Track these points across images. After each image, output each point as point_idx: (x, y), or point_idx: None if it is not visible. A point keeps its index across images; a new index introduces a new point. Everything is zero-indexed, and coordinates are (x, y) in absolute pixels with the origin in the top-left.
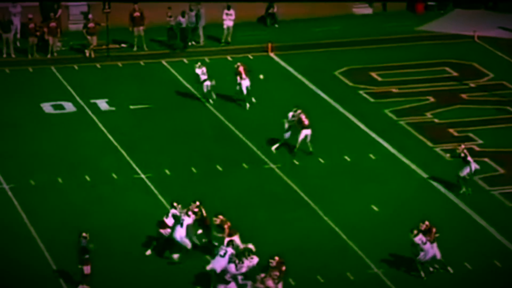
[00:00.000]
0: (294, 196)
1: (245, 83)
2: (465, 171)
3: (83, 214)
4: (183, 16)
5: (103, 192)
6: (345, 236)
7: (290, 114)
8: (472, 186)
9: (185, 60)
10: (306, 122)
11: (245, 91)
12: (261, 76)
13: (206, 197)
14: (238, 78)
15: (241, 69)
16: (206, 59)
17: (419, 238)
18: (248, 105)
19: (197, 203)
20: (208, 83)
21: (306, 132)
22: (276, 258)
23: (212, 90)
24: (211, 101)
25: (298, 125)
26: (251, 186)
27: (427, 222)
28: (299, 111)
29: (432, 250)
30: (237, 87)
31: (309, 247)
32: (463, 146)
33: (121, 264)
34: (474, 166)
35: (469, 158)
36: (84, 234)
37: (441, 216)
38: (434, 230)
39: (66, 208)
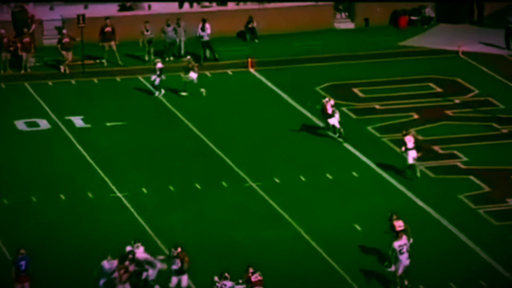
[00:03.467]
0: (274, 215)
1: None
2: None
3: (58, 234)
4: (163, 32)
5: (78, 212)
6: (327, 255)
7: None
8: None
9: (163, 76)
10: (329, 111)
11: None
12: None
13: (184, 216)
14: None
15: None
16: (183, 75)
17: (398, 244)
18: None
19: (179, 249)
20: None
21: (332, 121)
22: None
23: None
24: (157, 93)
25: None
26: (230, 204)
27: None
28: (326, 99)
29: (406, 260)
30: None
31: (290, 266)
32: (406, 133)
33: (98, 283)
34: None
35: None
36: (22, 251)
37: (424, 235)
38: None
39: (40, 228)
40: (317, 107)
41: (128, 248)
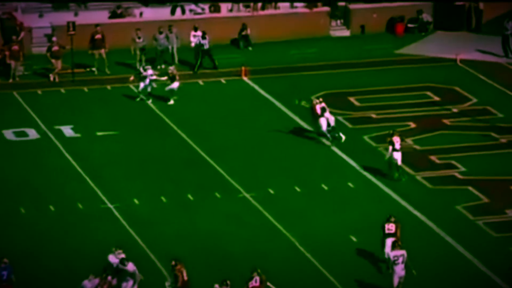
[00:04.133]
0: (269, 226)
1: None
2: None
3: (47, 245)
4: (154, 39)
5: (68, 223)
6: (322, 267)
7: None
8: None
9: (154, 85)
10: (318, 111)
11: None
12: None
13: (177, 228)
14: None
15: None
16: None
17: (393, 255)
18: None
19: (173, 262)
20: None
21: (322, 121)
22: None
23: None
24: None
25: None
26: (224, 216)
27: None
28: (317, 100)
29: (402, 271)
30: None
31: (284, 278)
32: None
33: None
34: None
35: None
36: (5, 260)
37: (421, 247)
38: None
39: (29, 239)
40: (301, 103)
41: (113, 260)
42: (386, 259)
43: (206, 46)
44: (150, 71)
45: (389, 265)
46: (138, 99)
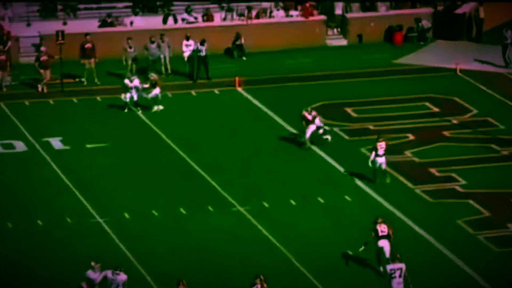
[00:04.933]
0: (263, 241)
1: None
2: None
3: (35, 261)
4: (146, 49)
5: (56, 238)
6: (317, 282)
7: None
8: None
9: (144, 94)
10: (310, 117)
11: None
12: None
13: (169, 243)
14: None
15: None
16: (169, 93)
17: (390, 268)
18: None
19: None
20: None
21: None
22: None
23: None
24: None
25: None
26: (217, 230)
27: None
28: (309, 108)
29: (398, 286)
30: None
31: None
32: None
33: None
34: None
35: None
36: None
37: (421, 262)
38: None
39: (16, 254)
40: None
41: (93, 276)
42: (381, 272)
43: (203, 53)
44: (136, 81)
45: (386, 277)
46: (126, 110)
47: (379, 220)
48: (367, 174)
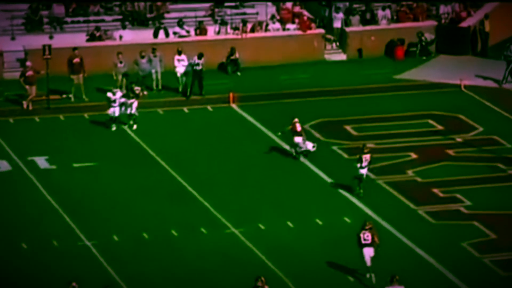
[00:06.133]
0: (259, 264)
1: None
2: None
3: (19, 286)
4: (136, 63)
5: (41, 262)
6: None
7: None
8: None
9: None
10: (299, 129)
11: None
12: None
13: (159, 266)
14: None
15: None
16: (160, 110)
17: None
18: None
19: None
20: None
21: (297, 139)
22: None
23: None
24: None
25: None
26: (210, 253)
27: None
28: (296, 119)
29: None
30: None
31: None
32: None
33: None
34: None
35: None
36: None
37: (424, 286)
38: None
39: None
40: (285, 130)
41: None
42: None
43: (199, 67)
44: (118, 94)
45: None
46: (113, 127)
47: (367, 227)
48: (367, 194)
